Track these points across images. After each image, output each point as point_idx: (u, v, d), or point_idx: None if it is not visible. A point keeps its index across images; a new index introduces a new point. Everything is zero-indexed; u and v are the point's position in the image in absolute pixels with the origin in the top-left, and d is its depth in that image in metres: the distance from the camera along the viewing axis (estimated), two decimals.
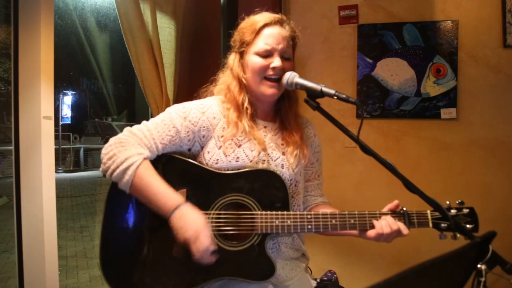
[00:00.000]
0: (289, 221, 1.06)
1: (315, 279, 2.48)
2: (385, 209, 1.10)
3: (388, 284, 0.53)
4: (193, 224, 1.00)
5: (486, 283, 0.73)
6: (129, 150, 1.04)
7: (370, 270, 2.58)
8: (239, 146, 1.14)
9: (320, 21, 2.73)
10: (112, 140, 1.08)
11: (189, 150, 1.16)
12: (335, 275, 2.54)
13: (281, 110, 1.24)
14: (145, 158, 1.05)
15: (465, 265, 0.74)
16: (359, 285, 2.48)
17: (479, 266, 0.74)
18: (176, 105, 1.18)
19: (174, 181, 1.06)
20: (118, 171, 1.02)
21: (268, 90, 1.15)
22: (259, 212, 1.06)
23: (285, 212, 1.07)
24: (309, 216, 1.07)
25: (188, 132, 1.13)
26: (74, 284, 3.50)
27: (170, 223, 1.01)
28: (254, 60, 1.15)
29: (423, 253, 2.39)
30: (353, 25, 2.66)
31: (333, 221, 1.07)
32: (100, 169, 1.07)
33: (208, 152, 1.13)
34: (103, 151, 1.06)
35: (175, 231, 1.01)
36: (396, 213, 1.08)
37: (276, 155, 1.17)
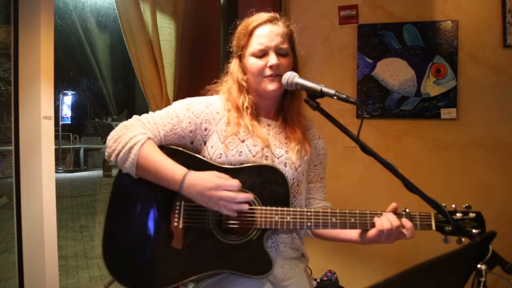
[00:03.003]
0: (288, 217, 1.06)
1: (315, 279, 2.48)
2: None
3: (388, 284, 0.53)
4: (208, 180, 1.01)
5: (486, 283, 0.73)
6: (134, 131, 1.07)
7: (370, 270, 2.58)
8: (243, 141, 1.15)
9: (320, 21, 2.73)
10: (119, 125, 1.11)
11: (192, 143, 1.17)
12: (335, 275, 2.54)
13: (284, 107, 1.25)
14: (149, 138, 1.08)
15: (465, 265, 0.74)
16: (359, 285, 2.48)
17: (479, 266, 0.74)
18: (182, 99, 1.20)
19: None
20: (123, 151, 1.04)
21: (270, 85, 1.15)
22: (259, 207, 1.07)
23: (285, 208, 1.07)
24: (308, 213, 1.07)
25: (190, 122, 1.15)
26: (74, 284, 3.50)
27: (185, 195, 1.03)
28: (251, 62, 1.16)
29: (423, 253, 2.39)
30: (353, 25, 2.66)
31: (333, 219, 1.06)
32: (106, 154, 1.09)
33: (212, 146, 1.14)
34: (109, 136, 1.09)
35: (196, 200, 1.03)
36: (397, 214, 1.06)
37: (279, 152, 1.17)
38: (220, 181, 1.01)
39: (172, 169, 1.04)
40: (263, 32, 1.15)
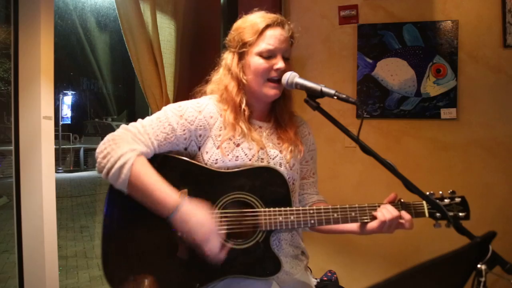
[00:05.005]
0: (292, 217, 1.07)
1: (315, 279, 2.48)
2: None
3: (388, 284, 0.53)
4: (200, 227, 0.99)
5: (486, 283, 0.73)
6: (123, 147, 1.01)
7: (370, 270, 2.58)
8: (238, 145, 1.14)
9: (320, 21, 2.73)
10: (106, 137, 1.06)
11: (186, 149, 1.16)
12: (335, 275, 2.54)
13: (276, 108, 1.25)
14: (139, 155, 1.03)
15: (465, 265, 0.74)
16: (359, 285, 2.48)
17: (479, 266, 0.74)
18: (172, 104, 1.17)
19: (175, 181, 1.05)
20: (113, 170, 0.99)
21: (271, 91, 1.16)
22: (262, 209, 1.07)
23: (288, 208, 1.08)
24: (311, 211, 1.08)
25: (184, 130, 1.12)
26: (74, 284, 3.50)
27: (173, 225, 1.00)
28: (257, 62, 1.15)
29: (423, 253, 2.39)
30: (353, 25, 2.66)
31: (335, 215, 1.09)
32: (96, 168, 1.04)
33: (207, 152, 1.14)
34: (97, 149, 1.04)
35: (181, 234, 1.01)
36: (393, 204, 1.10)
37: (274, 153, 1.18)
38: (208, 239, 0.99)
39: (163, 196, 1.00)
40: (274, 34, 1.15)
